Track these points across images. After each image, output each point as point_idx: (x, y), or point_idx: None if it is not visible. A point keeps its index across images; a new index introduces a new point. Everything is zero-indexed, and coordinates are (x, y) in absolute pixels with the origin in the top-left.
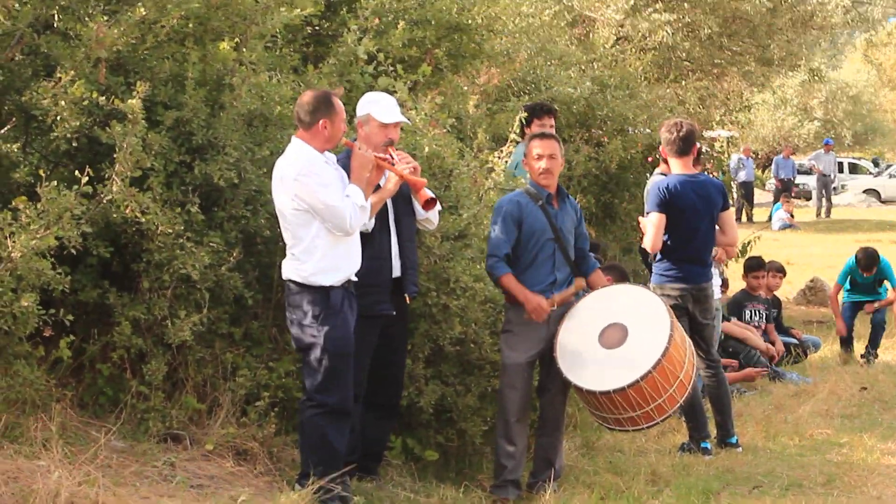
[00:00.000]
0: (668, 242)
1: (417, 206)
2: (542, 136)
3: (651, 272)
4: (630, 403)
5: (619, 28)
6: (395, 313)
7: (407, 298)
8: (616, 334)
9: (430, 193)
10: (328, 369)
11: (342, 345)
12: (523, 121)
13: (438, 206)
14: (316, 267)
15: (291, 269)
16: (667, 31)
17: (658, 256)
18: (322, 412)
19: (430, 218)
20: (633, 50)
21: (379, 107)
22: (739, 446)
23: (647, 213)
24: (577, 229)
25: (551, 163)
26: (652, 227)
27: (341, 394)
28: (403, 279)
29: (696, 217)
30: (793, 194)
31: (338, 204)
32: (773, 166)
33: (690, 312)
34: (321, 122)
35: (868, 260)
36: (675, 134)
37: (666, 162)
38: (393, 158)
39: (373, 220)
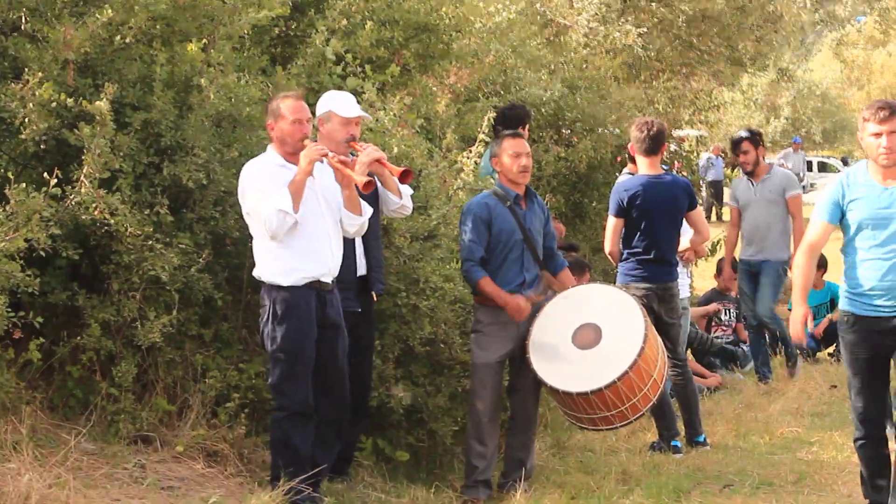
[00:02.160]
0: (634, 243)
1: (389, 194)
2: (515, 135)
3: None
4: (605, 403)
5: (591, 35)
6: (360, 310)
7: (374, 296)
8: (590, 335)
9: (398, 168)
10: (284, 371)
11: (296, 346)
12: (492, 121)
13: (410, 190)
14: (272, 267)
15: (256, 268)
16: (637, 42)
17: (624, 255)
18: (283, 415)
19: (405, 205)
20: (604, 52)
21: (339, 102)
22: (707, 444)
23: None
24: (545, 228)
25: (529, 160)
26: (610, 231)
27: (299, 396)
28: (369, 277)
29: (660, 217)
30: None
31: (260, 208)
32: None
33: (656, 311)
34: (267, 124)
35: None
36: (644, 132)
37: (633, 161)
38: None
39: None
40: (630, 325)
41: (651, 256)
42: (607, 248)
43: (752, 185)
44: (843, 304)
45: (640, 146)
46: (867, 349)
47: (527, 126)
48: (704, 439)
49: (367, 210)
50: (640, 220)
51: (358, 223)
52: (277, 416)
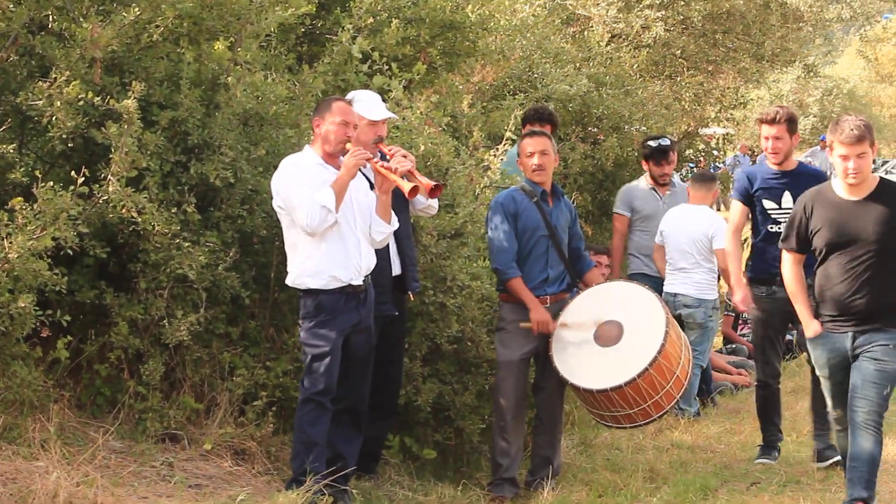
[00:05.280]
0: None
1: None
2: (533, 133)
3: None
4: (627, 401)
5: (614, 25)
6: (397, 313)
7: (410, 296)
8: (612, 332)
9: (430, 182)
10: (309, 364)
11: (325, 348)
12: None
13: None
14: (299, 269)
15: (289, 275)
16: (659, 28)
17: None
18: (300, 400)
19: (431, 204)
20: (628, 47)
21: (365, 104)
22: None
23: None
24: (571, 229)
25: (543, 159)
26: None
27: (319, 385)
28: (404, 276)
29: None
30: None
31: (299, 202)
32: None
33: None
34: (314, 121)
35: None
36: None
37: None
38: (386, 155)
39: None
40: (652, 321)
41: None
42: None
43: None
44: None
45: None
46: None
47: (553, 126)
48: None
49: (395, 222)
50: None
51: (387, 231)
52: (298, 401)
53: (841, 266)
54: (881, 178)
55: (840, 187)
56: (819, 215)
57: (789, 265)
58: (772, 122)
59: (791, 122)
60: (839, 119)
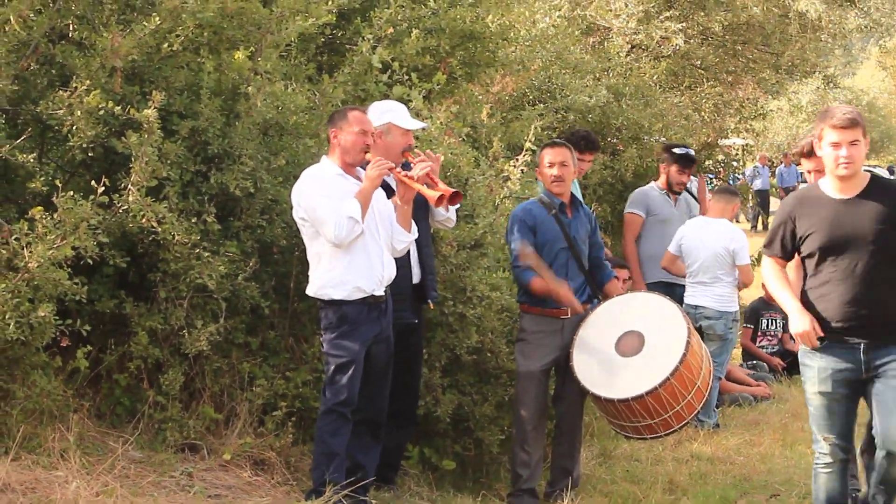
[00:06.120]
0: None
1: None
2: (554, 144)
3: None
4: (648, 411)
5: (634, 36)
6: (416, 321)
7: (430, 304)
8: (633, 342)
9: (448, 190)
10: (331, 376)
11: (347, 358)
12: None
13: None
14: (322, 280)
15: (310, 285)
16: (679, 39)
17: None
18: (321, 411)
19: (450, 217)
20: (648, 58)
21: (397, 114)
22: None
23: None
24: (591, 238)
25: (562, 170)
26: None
27: (340, 397)
28: (423, 284)
29: None
30: None
31: (324, 214)
32: (777, 176)
33: None
34: (331, 132)
35: None
36: None
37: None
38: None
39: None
40: (673, 332)
41: None
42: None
43: None
44: None
45: None
46: None
47: (590, 153)
48: None
49: (415, 231)
50: None
51: (407, 240)
52: (319, 411)
53: (839, 271)
54: (872, 173)
55: (829, 185)
56: (808, 218)
57: (770, 267)
58: (809, 154)
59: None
60: (828, 108)
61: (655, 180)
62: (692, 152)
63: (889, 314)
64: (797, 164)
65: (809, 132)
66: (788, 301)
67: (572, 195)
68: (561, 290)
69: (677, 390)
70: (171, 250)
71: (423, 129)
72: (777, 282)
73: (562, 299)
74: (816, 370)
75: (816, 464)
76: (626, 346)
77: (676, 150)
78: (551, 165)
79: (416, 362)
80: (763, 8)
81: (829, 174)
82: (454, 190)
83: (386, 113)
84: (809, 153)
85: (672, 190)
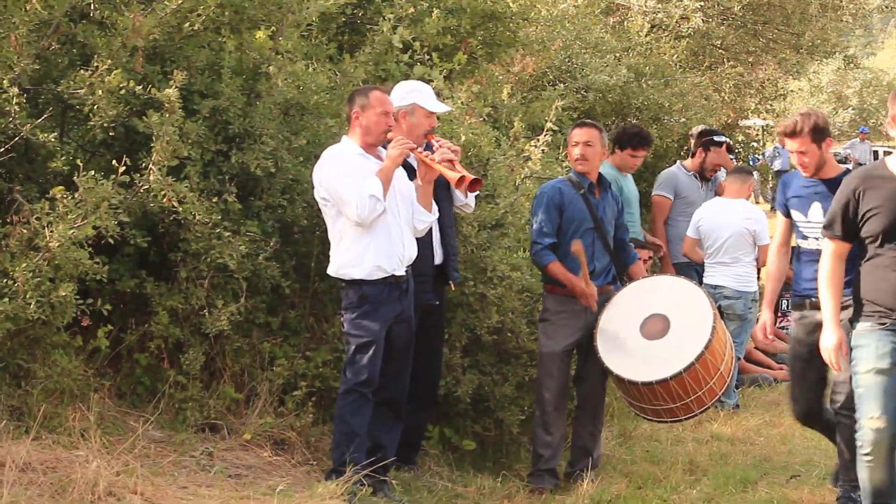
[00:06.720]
0: None
1: (456, 192)
2: (582, 124)
3: None
4: (671, 395)
5: (654, 15)
6: (438, 303)
7: (452, 286)
8: (658, 325)
9: (469, 175)
10: (352, 356)
11: (368, 338)
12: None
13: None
14: (343, 259)
15: (331, 264)
16: (698, 18)
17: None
18: (342, 391)
19: (468, 203)
20: (668, 38)
21: (423, 95)
22: None
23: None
24: (617, 220)
25: (586, 149)
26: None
27: (362, 377)
28: (446, 265)
29: None
30: None
31: (346, 193)
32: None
33: None
34: (353, 112)
35: None
36: None
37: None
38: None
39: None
40: (698, 317)
41: None
42: None
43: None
44: None
45: None
46: None
47: (643, 149)
48: None
49: (436, 211)
50: None
51: (428, 220)
52: (340, 391)
53: None
54: None
55: None
56: (873, 197)
57: (829, 257)
58: (792, 134)
59: (816, 132)
60: None
61: (683, 161)
62: (730, 141)
63: None
64: (781, 144)
65: (795, 112)
66: (828, 309)
67: (600, 175)
68: (580, 285)
69: (701, 375)
70: (192, 230)
71: (451, 111)
72: (828, 283)
73: (577, 294)
74: (874, 347)
75: (860, 453)
76: (651, 329)
77: (715, 138)
78: (576, 144)
79: (437, 343)
80: None
81: None
82: (475, 176)
83: (411, 93)
84: (793, 132)
85: (703, 176)
